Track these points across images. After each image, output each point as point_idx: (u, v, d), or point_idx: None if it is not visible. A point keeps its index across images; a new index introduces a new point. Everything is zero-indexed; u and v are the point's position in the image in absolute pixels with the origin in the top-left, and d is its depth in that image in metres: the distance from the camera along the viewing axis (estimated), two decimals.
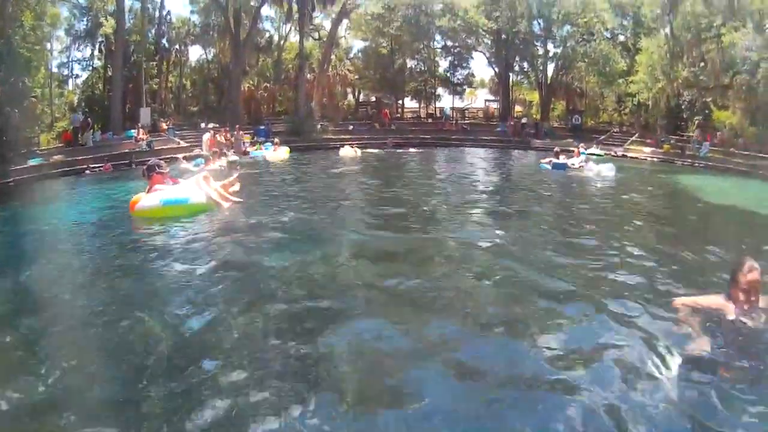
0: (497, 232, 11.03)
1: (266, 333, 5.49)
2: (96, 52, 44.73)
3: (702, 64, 35.47)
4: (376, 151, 36.67)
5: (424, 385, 4.48)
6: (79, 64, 45.21)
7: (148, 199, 12.04)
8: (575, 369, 4.74)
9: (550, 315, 6.00)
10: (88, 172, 25.44)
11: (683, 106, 37.71)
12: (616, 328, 5.54)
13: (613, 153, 35.11)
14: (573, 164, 22.83)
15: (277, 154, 30.24)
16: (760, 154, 28.98)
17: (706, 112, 35.93)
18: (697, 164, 30.85)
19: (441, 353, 5.10)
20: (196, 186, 12.61)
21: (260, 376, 4.54)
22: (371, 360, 4.99)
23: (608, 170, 21.51)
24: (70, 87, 45.48)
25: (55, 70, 42.84)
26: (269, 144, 33.14)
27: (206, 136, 31.99)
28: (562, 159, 23.56)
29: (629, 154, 35.43)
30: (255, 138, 36.44)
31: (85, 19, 43.12)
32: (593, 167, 22.17)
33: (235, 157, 27.72)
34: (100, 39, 43.35)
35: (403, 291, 6.86)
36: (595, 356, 4.95)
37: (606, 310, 6.02)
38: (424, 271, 7.96)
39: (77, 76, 45.74)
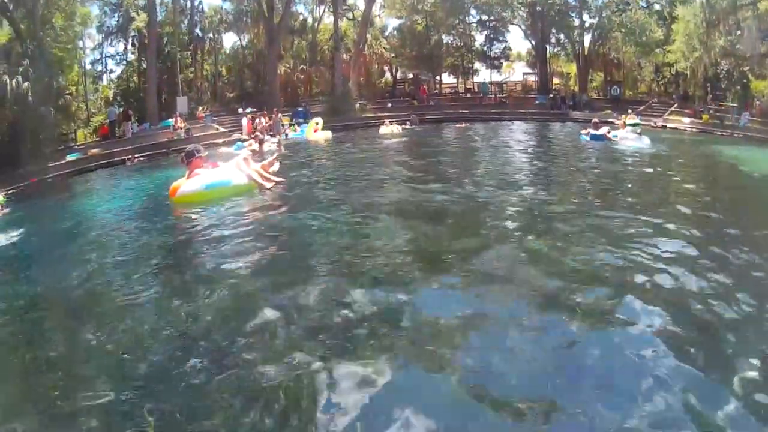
0: (536, 202, 11.19)
1: (315, 311, 5.62)
2: (129, 47, 45.55)
3: (738, 32, 35.05)
4: (415, 127, 36.99)
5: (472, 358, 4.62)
6: (112, 59, 46.34)
7: (189, 184, 12.24)
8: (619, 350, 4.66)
9: (596, 293, 5.89)
10: (129, 163, 26.20)
11: (721, 76, 37.30)
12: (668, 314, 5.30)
13: (652, 123, 35.04)
14: (615, 136, 22.93)
15: (319, 134, 30.81)
16: None
17: (744, 81, 35.51)
18: (736, 135, 30.62)
19: (486, 326, 5.26)
20: (236, 168, 12.83)
21: (309, 358, 4.62)
22: (419, 332, 5.10)
23: (645, 142, 21.59)
24: (105, 82, 46.50)
25: (88, 67, 44.10)
26: (305, 126, 33.67)
27: (244, 121, 32.78)
28: (604, 130, 23.68)
29: (668, 125, 35.36)
30: (293, 120, 36.98)
31: (116, 15, 43.93)
32: (631, 138, 22.21)
33: (275, 139, 28.35)
34: (132, 33, 43.92)
35: (448, 262, 7.11)
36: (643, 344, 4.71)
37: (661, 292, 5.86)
38: (467, 241, 8.16)
39: (111, 71, 46.94)
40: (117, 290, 6.82)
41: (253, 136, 28.04)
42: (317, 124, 32.14)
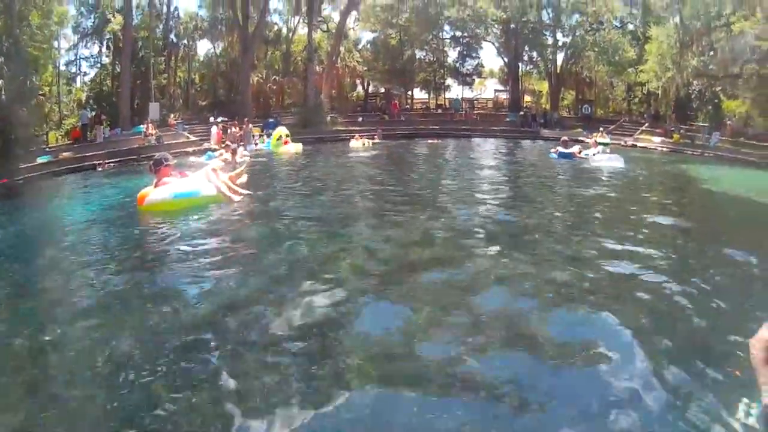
0: (502, 220, 10.97)
1: (277, 326, 5.45)
2: (104, 49, 44.95)
3: (711, 53, 35.38)
4: (381, 141, 36.63)
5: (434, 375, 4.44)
6: (86, 61, 45.63)
7: (157, 193, 11.88)
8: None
9: (557, 319, 5.65)
10: (99, 168, 25.50)
11: (693, 96, 37.64)
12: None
13: (622, 142, 35.00)
14: (586, 155, 22.78)
15: (290, 146, 30.17)
16: None
17: (716, 101, 35.82)
18: (706, 154, 30.76)
19: (448, 346, 5.00)
20: (205, 179, 12.47)
21: (271, 371, 4.55)
22: (383, 351, 4.94)
23: (616, 161, 21.42)
24: (78, 84, 45.79)
25: (62, 68, 43.49)
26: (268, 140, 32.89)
27: (214, 130, 32.19)
28: (575, 149, 23.57)
29: (639, 144, 35.37)
30: (264, 131, 36.42)
31: (92, 16, 43.26)
32: (602, 158, 22.06)
33: (246, 150, 27.77)
34: (107, 36, 43.40)
35: (412, 278, 6.91)
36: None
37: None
38: (431, 258, 7.93)
39: (85, 74, 46.14)
40: (79, 299, 6.65)
41: (223, 145, 27.47)
42: (287, 135, 31.32)
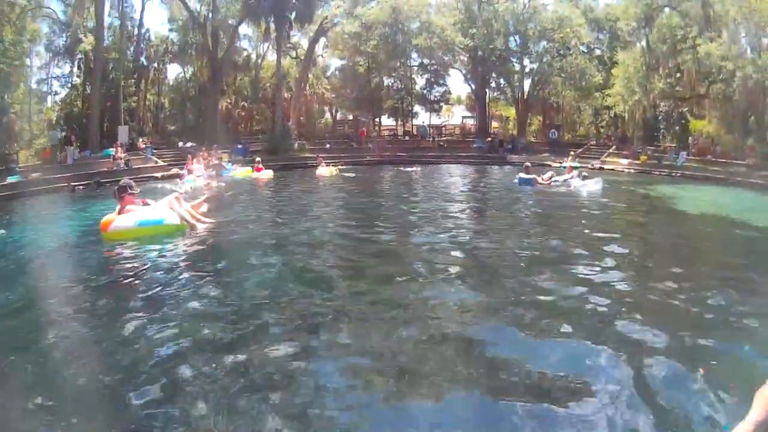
0: (470, 249, 10.50)
1: (239, 358, 5.12)
2: (75, 69, 44.16)
3: (678, 75, 35.83)
4: (353, 167, 36.45)
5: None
6: (58, 80, 44.78)
7: (122, 220, 11.76)
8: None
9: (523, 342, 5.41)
10: (75, 191, 24.94)
11: (659, 117, 38.02)
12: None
13: (590, 165, 34.78)
14: (557, 181, 22.50)
15: (262, 173, 29.80)
16: (737, 162, 29.14)
17: (683, 122, 36.21)
18: (674, 174, 30.84)
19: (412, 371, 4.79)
20: (168, 207, 12.37)
21: (232, 402, 4.23)
22: (350, 379, 4.75)
23: (595, 184, 21.23)
24: (49, 104, 44.86)
25: (34, 86, 42.44)
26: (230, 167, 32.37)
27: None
28: (547, 174, 23.32)
29: (606, 166, 35.20)
30: (232, 157, 36.04)
31: (64, 35, 42.57)
32: (579, 183, 21.83)
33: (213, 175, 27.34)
34: (79, 56, 42.75)
35: (377, 306, 6.73)
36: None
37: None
38: (396, 287, 7.69)
39: (56, 93, 45.22)
40: (38, 325, 6.33)
41: (188, 170, 26.97)
42: (259, 162, 30.97)
